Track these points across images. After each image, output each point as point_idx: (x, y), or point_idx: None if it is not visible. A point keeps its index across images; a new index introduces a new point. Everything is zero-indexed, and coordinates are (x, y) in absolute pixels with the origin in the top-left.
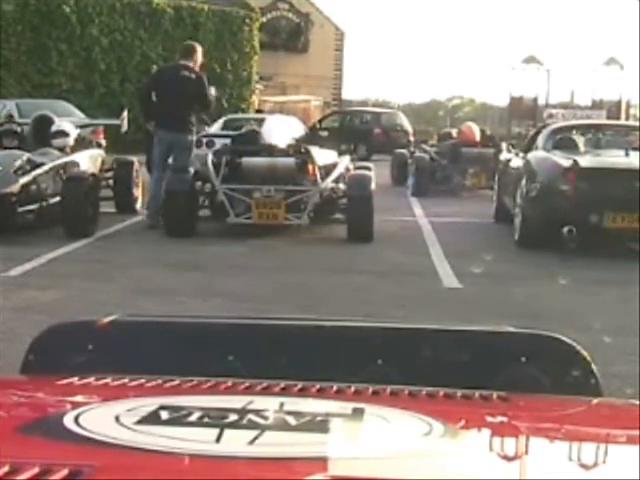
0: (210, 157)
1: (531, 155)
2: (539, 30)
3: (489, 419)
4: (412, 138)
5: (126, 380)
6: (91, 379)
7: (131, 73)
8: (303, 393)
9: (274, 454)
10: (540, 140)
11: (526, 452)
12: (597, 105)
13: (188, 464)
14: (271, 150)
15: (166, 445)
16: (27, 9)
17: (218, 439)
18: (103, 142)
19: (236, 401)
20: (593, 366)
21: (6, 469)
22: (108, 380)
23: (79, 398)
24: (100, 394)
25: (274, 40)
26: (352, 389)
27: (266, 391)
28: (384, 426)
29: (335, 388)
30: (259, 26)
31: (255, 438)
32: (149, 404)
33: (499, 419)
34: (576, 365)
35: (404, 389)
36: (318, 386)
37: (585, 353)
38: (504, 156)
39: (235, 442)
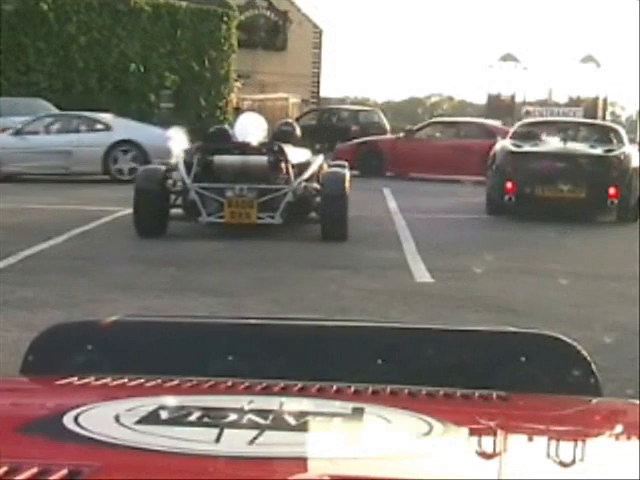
0: (182, 155)
1: (497, 144)
2: (516, 28)
3: (489, 419)
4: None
5: (126, 380)
6: (91, 379)
7: (109, 71)
8: (303, 393)
9: (274, 454)
10: (509, 133)
11: (526, 452)
12: (574, 102)
13: (188, 464)
14: (244, 148)
15: (166, 445)
16: (3, 9)
17: (218, 439)
18: None
19: (236, 401)
20: (593, 366)
21: (6, 469)
22: (108, 380)
23: (79, 398)
24: (100, 394)
25: (252, 38)
26: (352, 389)
27: (266, 391)
28: (384, 426)
29: (335, 388)
30: (237, 24)
31: (255, 438)
32: (149, 404)
33: (499, 419)
34: (576, 365)
35: (404, 389)
36: (318, 386)
37: (585, 353)
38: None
39: (235, 442)
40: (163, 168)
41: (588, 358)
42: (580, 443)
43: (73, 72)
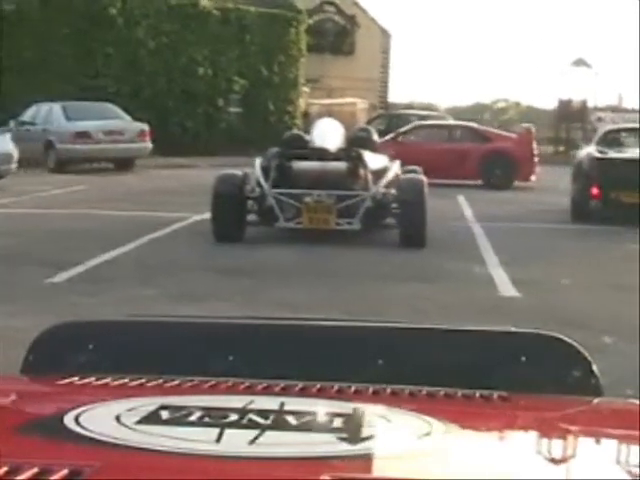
0: (259, 161)
1: (582, 151)
2: (587, 33)
3: (489, 419)
4: None
5: (127, 380)
6: (92, 379)
7: (177, 75)
8: (303, 393)
9: (274, 454)
10: (594, 139)
11: (526, 452)
12: None
13: (188, 464)
14: (322, 154)
15: (166, 445)
16: (73, 12)
17: (218, 439)
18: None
19: (236, 401)
20: (593, 366)
21: (6, 469)
22: (108, 380)
23: (79, 398)
24: (101, 394)
25: (320, 42)
26: (352, 389)
27: (266, 391)
28: (385, 426)
29: (335, 388)
30: (306, 28)
31: (255, 438)
32: (150, 404)
33: (499, 419)
34: (576, 365)
35: (404, 389)
36: (318, 386)
37: (586, 353)
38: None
39: (235, 442)
40: (241, 173)
41: (588, 358)
42: (580, 443)
43: (141, 76)
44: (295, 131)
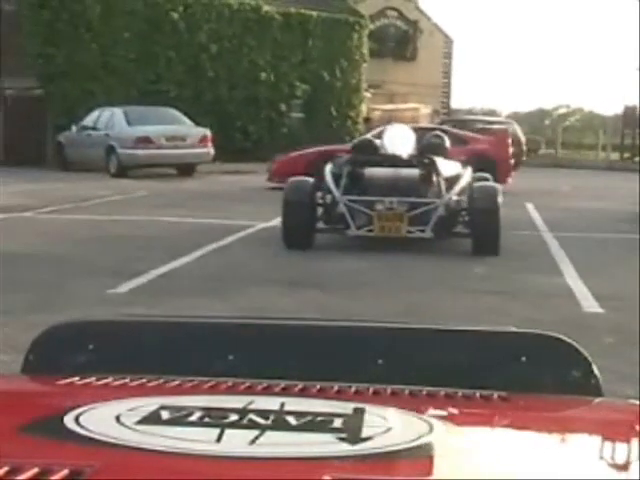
0: (329, 167)
1: None
2: None
3: (490, 419)
4: (525, 147)
5: (127, 380)
6: (92, 379)
7: (239, 80)
8: (304, 393)
9: (275, 454)
10: None
11: (527, 452)
12: None
13: (189, 464)
14: (394, 160)
15: (167, 445)
16: (135, 17)
17: (219, 439)
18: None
19: (237, 401)
20: (593, 366)
21: (6, 469)
22: (109, 380)
23: (80, 398)
24: (101, 394)
25: (382, 48)
26: (353, 389)
27: (267, 391)
28: (385, 426)
29: (336, 388)
30: (368, 33)
31: (256, 438)
32: (150, 404)
33: (500, 419)
34: (576, 365)
35: (405, 389)
36: (319, 386)
37: (586, 353)
38: None
39: (236, 442)
40: (311, 180)
41: (588, 358)
42: (580, 443)
43: (203, 81)
44: (365, 137)
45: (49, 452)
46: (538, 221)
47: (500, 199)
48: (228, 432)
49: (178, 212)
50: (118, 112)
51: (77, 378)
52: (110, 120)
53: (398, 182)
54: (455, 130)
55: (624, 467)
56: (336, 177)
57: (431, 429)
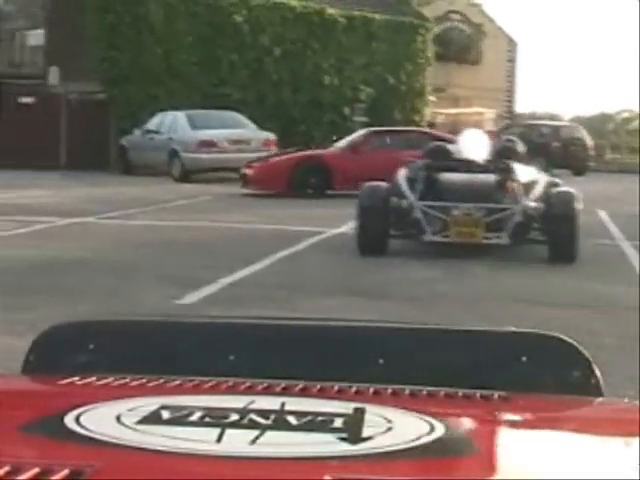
0: (403, 172)
1: None
2: None
3: (490, 419)
4: (592, 152)
5: (127, 380)
6: (92, 379)
7: (303, 84)
8: (304, 393)
9: (275, 454)
10: None
11: (527, 452)
12: None
13: (189, 464)
14: (470, 165)
15: (167, 445)
16: (198, 20)
17: (219, 439)
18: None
19: (237, 401)
20: (594, 366)
21: (7, 469)
22: (109, 380)
23: (80, 398)
24: (101, 394)
25: (446, 51)
26: (353, 389)
27: (267, 391)
28: (385, 426)
29: (336, 388)
30: (433, 36)
31: (256, 438)
32: (150, 404)
33: (500, 419)
34: (577, 365)
35: (405, 389)
36: (319, 386)
37: (586, 353)
38: None
39: (236, 442)
40: (385, 185)
41: (589, 358)
42: (581, 443)
43: (266, 84)
44: (438, 142)
45: (50, 452)
46: (613, 229)
47: (579, 205)
48: (229, 432)
49: (244, 217)
50: (181, 116)
51: (77, 378)
52: (173, 124)
53: (474, 187)
54: (435, 132)
55: (624, 467)
56: (411, 182)
57: (432, 429)
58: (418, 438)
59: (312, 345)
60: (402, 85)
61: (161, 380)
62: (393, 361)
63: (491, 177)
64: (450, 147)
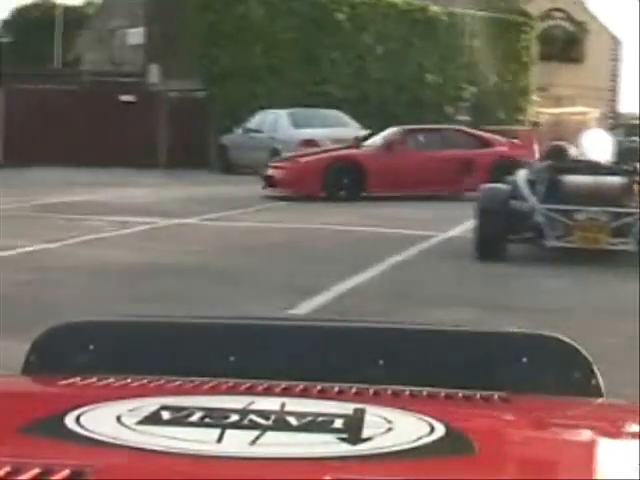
0: (523, 174)
1: None
2: None
3: (490, 419)
4: None
5: (128, 380)
6: (92, 379)
7: (405, 82)
8: (304, 393)
9: (275, 454)
10: None
11: (527, 453)
12: None
13: (189, 464)
14: (595, 167)
15: (167, 445)
16: (299, 17)
17: (219, 439)
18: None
19: (237, 401)
20: (594, 367)
21: (7, 469)
22: (109, 380)
23: (80, 398)
24: (101, 394)
25: (548, 50)
26: (353, 389)
27: (267, 391)
28: (385, 427)
29: (336, 389)
30: (536, 34)
31: (256, 438)
32: (150, 404)
33: (500, 419)
34: (577, 366)
35: (405, 390)
36: (319, 386)
37: (586, 354)
38: None
39: (236, 442)
40: (506, 187)
41: (589, 359)
42: (581, 444)
43: (368, 83)
44: (557, 142)
45: (50, 452)
46: None
47: None
48: (229, 432)
49: (350, 219)
50: (283, 114)
51: (78, 378)
52: (275, 122)
53: (599, 190)
54: (471, 130)
55: (625, 467)
56: (532, 184)
57: (432, 430)
58: (418, 439)
59: (312, 345)
60: (506, 84)
61: (161, 380)
62: (393, 361)
63: (617, 179)
64: (570, 148)
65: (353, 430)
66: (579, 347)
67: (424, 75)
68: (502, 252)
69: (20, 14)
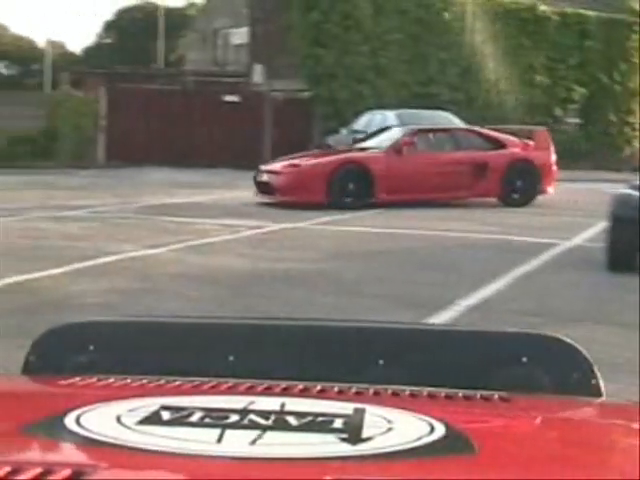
0: None
1: None
2: None
3: (490, 419)
4: None
5: (127, 380)
6: (92, 379)
7: (515, 84)
8: (304, 393)
9: (275, 454)
10: None
11: (527, 452)
12: None
13: (189, 464)
14: None
15: (167, 445)
16: (407, 17)
17: (219, 439)
18: None
19: (237, 401)
20: (594, 367)
21: (8, 469)
22: (109, 380)
23: (80, 398)
24: (101, 394)
25: None
26: (353, 389)
27: (267, 391)
28: (385, 427)
29: (336, 388)
30: None
31: (256, 438)
32: (150, 404)
33: (500, 419)
34: (577, 366)
35: (405, 389)
36: (319, 386)
37: (586, 354)
38: None
39: (236, 442)
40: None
41: (589, 359)
42: (580, 443)
43: (476, 83)
44: None
45: (50, 452)
46: None
47: None
48: (229, 432)
49: (458, 225)
50: (391, 115)
51: (78, 379)
52: (383, 123)
53: None
54: (484, 130)
55: (624, 468)
56: None
57: (432, 429)
58: (418, 438)
59: (312, 345)
60: (616, 85)
61: (161, 381)
62: (393, 361)
63: None
64: None
65: (353, 430)
66: (579, 347)
67: (533, 76)
68: (635, 264)
69: (122, 16)
